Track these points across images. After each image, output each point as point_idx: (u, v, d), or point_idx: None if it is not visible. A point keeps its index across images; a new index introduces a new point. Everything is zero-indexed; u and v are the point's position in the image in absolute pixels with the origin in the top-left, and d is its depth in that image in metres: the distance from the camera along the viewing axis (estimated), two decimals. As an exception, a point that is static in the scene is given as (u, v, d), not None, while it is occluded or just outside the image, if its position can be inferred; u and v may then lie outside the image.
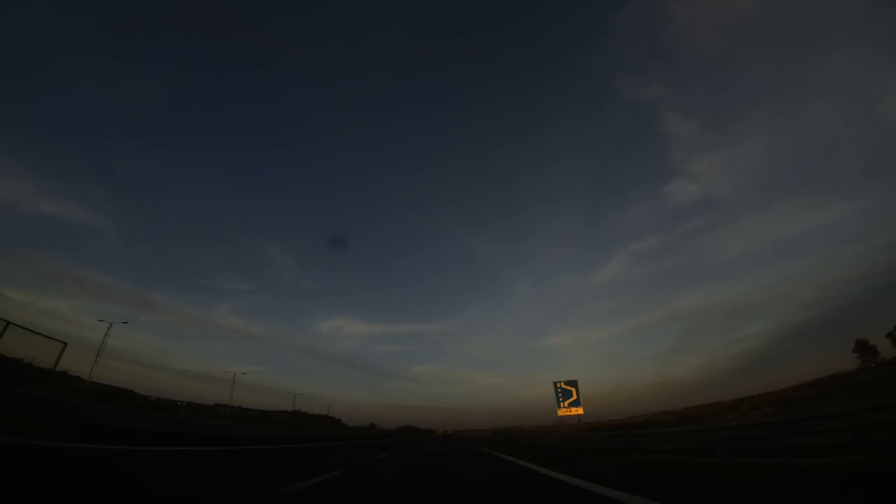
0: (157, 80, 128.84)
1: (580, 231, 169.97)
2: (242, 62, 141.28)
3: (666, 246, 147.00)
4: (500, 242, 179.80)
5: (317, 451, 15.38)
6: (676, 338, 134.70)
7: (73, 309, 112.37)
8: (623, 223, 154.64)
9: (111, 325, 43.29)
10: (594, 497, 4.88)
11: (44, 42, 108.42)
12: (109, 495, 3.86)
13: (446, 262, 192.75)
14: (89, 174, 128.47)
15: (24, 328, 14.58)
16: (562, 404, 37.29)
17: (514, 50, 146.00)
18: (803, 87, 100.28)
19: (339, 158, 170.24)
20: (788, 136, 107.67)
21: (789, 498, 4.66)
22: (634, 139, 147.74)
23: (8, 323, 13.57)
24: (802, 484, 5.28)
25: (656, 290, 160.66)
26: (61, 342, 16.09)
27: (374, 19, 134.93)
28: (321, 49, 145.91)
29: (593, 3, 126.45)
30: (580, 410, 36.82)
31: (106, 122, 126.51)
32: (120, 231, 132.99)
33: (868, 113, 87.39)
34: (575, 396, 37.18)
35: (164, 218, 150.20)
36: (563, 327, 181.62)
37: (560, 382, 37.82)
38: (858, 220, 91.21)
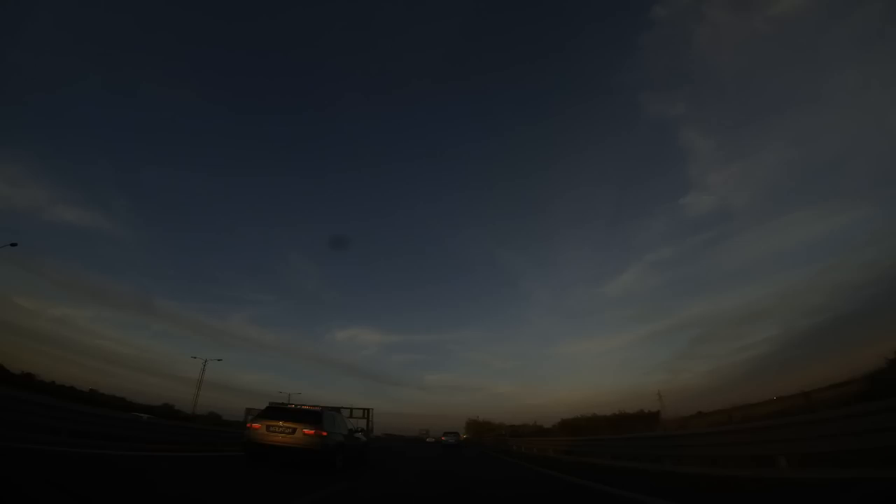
0: (192, 97, 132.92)
1: (599, 243, 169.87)
2: (279, 86, 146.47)
3: (679, 256, 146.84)
4: (521, 255, 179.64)
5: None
6: (685, 345, 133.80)
7: (83, 317, 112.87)
8: (640, 235, 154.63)
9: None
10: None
11: (88, 50, 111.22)
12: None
13: (468, 274, 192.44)
14: (111, 182, 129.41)
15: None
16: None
17: (546, 78, 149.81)
18: (817, 101, 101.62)
19: (371, 187, 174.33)
20: (801, 148, 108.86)
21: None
22: (656, 155, 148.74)
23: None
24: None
25: (667, 300, 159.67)
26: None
27: (409, 45, 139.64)
28: (355, 81, 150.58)
29: (623, 27, 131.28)
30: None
31: (132, 133, 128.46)
32: (139, 239, 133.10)
33: (878, 124, 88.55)
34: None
35: (187, 228, 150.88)
36: (577, 336, 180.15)
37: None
38: (866, 227, 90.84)
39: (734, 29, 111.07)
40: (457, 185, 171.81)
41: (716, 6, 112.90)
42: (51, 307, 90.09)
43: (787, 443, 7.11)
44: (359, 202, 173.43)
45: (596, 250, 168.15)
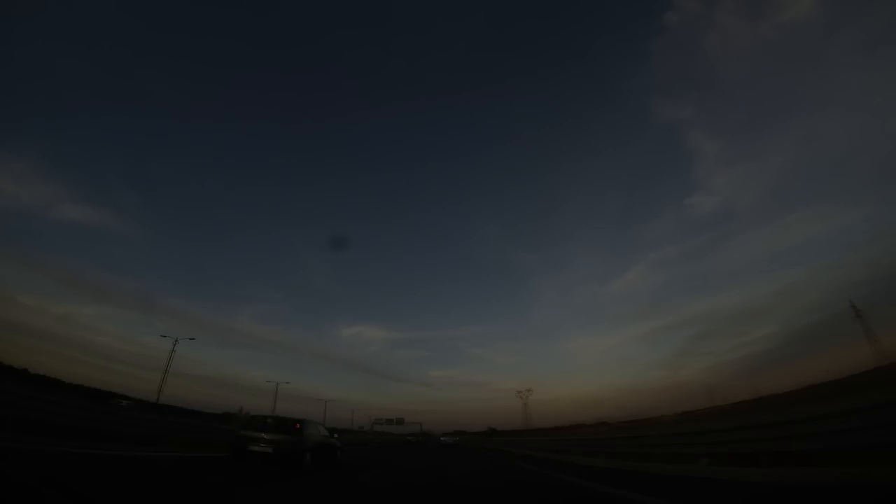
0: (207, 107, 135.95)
1: (606, 242, 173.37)
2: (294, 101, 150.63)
3: (683, 255, 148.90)
4: (530, 254, 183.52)
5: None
6: (685, 342, 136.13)
7: (87, 316, 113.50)
8: (646, 234, 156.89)
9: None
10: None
11: (106, 54, 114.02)
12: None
13: (478, 273, 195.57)
14: (122, 180, 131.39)
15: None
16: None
17: (560, 84, 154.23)
18: (820, 104, 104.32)
19: (384, 189, 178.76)
20: (803, 150, 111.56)
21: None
22: (663, 158, 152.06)
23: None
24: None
25: (669, 298, 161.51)
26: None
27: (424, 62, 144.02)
28: (372, 89, 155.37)
29: (636, 34, 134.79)
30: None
31: (145, 135, 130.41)
32: (149, 237, 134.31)
33: (879, 127, 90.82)
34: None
35: (198, 225, 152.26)
36: (581, 333, 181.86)
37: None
38: (865, 226, 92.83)
39: (743, 34, 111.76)
40: (470, 187, 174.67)
41: (727, 12, 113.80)
42: (55, 306, 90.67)
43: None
44: (372, 204, 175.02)
45: (603, 249, 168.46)
